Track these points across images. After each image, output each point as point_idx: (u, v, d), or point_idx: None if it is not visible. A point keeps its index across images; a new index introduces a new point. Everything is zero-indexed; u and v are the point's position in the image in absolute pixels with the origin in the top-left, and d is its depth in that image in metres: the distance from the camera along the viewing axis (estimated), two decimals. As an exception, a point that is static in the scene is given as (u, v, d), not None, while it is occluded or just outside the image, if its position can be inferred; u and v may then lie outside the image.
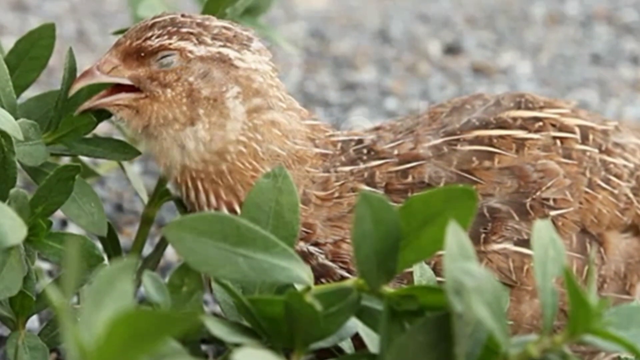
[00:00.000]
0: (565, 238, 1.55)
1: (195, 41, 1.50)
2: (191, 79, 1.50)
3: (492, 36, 3.25)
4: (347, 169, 1.56)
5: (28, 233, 1.41)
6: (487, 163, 1.56)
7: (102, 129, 1.89)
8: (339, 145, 1.59)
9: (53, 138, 1.57)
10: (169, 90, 1.50)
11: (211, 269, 1.26)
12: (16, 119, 1.49)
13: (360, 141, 1.60)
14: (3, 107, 1.51)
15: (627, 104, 2.87)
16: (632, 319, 1.23)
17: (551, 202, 1.55)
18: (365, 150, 1.59)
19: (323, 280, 1.50)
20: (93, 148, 1.60)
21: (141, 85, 1.51)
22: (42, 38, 1.62)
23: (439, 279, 1.43)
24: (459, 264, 1.19)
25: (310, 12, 3.40)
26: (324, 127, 1.61)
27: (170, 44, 1.49)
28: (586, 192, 1.58)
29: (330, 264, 1.51)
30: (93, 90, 1.54)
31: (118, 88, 1.53)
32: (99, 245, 1.61)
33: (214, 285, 1.38)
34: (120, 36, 1.55)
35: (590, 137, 1.64)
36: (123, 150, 1.61)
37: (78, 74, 1.55)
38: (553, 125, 1.63)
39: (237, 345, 1.30)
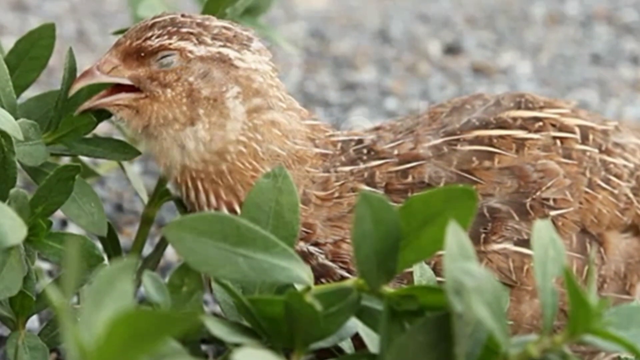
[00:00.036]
0: (565, 238, 1.55)
1: (195, 41, 1.50)
2: (191, 79, 1.50)
3: (492, 36, 3.25)
4: (347, 169, 1.56)
5: (28, 233, 1.41)
6: (487, 163, 1.56)
7: (102, 129, 1.89)
8: (339, 145, 1.59)
9: (53, 138, 1.57)
10: (169, 90, 1.50)
11: (211, 269, 1.26)
12: (16, 119, 1.49)
13: (360, 141, 1.60)
14: (3, 107, 1.51)
15: (627, 104, 2.87)
16: (632, 319, 1.23)
17: (551, 202, 1.55)
18: (365, 150, 1.59)
19: (323, 280, 1.50)
20: (93, 148, 1.60)
21: (141, 85, 1.51)
22: (42, 38, 1.62)
23: (439, 279, 1.42)
24: (459, 264, 1.19)
25: (310, 12, 3.40)
26: (324, 127, 1.61)
27: (170, 44, 1.49)
28: (586, 192, 1.58)
29: (330, 264, 1.51)
30: (93, 90, 1.54)
31: (118, 88, 1.53)
32: (99, 245, 1.61)
33: (214, 285, 1.38)
34: (120, 36, 1.55)
35: (590, 137, 1.64)
36: (123, 151, 1.61)
37: (78, 74, 1.55)
38: (553, 125, 1.63)
39: (237, 345, 1.30)
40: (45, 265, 2.03)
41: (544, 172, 1.57)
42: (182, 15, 1.53)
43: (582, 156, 1.61)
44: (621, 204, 1.61)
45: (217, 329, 1.30)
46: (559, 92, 2.88)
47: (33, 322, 1.85)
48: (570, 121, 1.65)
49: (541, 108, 1.66)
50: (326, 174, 1.56)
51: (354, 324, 1.32)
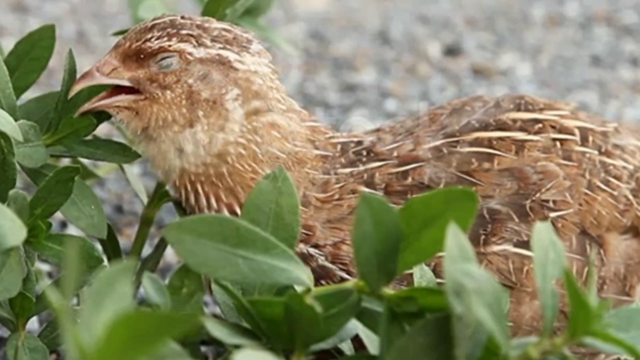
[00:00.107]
0: (564, 240, 1.55)
1: (195, 43, 1.50)
2: (190, 81, 1.50)
3: (491, 37, 3.25)
4: (347, 170, 1.56)
5: (28, 234, 1.41)
6: (486, 165, 1.56)
7: (102, 130, 1.89)
8: (339, 147, 1.59)
9: (53, 139, 1.57)
10: (168, 92, 1.50)
11: (211, 270, 1.26)
12: (16, 120, 1.49)
13: (359, 143, 1.60)
14: (3, 108, 1.51)
15: (627, 105, 2.87)
16: (632, 321, 1.23)
17: (551, 204, 1.55)
18: (364, 152, 1.59)
19: (323, 282, 1.50)
20: (93, 150, 1.60)
21: (141, 86, 1.51)
22: (42, 39, 1.62)
23: (439, 280, 1.43)
24: (459, 266, 1.19)
25: (309, 13, 3.40)
26: (324, 129, 1.61)
27: (169, 45, 1.49)
28: (586, 194, 1.58)
29: (330, 265, 1.51)
30: (93, 91, 1.54)
31: (118, 90, 1.53)
32: (99, 246, 1.61)
33: (213, 286, 1.38)
34: (120, 37, 1.55)
35: (590, 138, 1.64)
36: (123, 153, 1.61)
37: (78, 76, 1.55)
38: (553, 127, 1.63)
39: (237, 346, 1.30)
40: (45, 267, 2.03)
41: (544, 174, 1.57)
42: (182, 17, 1.53)
43: (581, 158, 1.61)
44: (621, 206, 1.61)
45: (217, 331, 1.30)
46: (559, 94, 2.88)
47: (33, 323, 1.85)
48: (570, 123, 1.65)
49: (541, 110, 1.66)
50: (326, 176, 1.56)
51: (354, 326, 1.32)
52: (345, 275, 1.50)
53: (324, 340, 1.32)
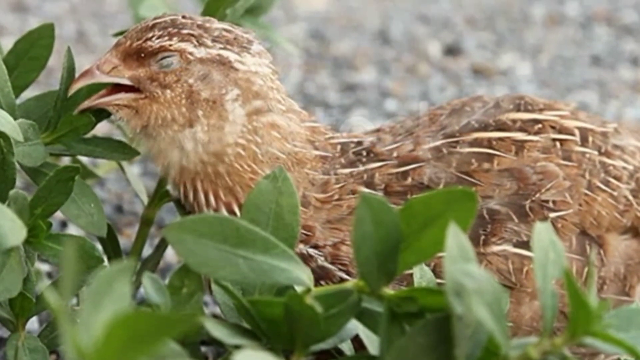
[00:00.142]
0: (564, 240, 1.55)
1: (196, 43, 1.50)
2: (191, 80, 1.50)
3: (492, 37, 3.25)
4: (347, 171, 1.56)
5: (28, 234, 1.41)
6: (486, 165, 1.56)
7: (102, 129, 1.89)
8: (339, 147, 1.59)
9: (52, 138, 1.57)
10: (168, 91, 1.50)
11: (211, 270, 1.26)
12: (15, 119, 1.49)
13: (359, 143, 1.60)
14: (2, 107, 1.51)
15: (627, 105, 2.86)
16: (632, 321, 1.23)
17: (550, 204, 1.55)
18: (364, 152, 1.59)
19: (322, 282, 1.50)
20: (92, 148, 1.59)
21: (141, 85, 1.51)
22: (41, 38, 1.62)
23: (439, 280, 1.42)
24: (459, 266, 1.19)
25: (310, 13, 3.40)
26: (324, 130, 1.61)
27: (170, 45, 1.49)
28: (586, 194, 1.58)
29: (329, 266, 1.51)
30: (92, 90, 1.54)
31: (118, 88, 1.53)
32: (99, 246, 1.61)
33: (213, 286, 1.38)
34: (120, 36, 1.55)
35: (590, 139, 1.64)
36: (122, 151, 1.61)
37: (77, 74, 1.55)
38: (552, 128, 1.63)
39: (237, 347, 1.30)
40: (45, 267, 2.03)
41: (544, 174, 1.57)
42: (183, 17, 1.52)
43: (581, 158, 1.61)
44: (621, 206, 1.61)
45: (217, 331, 1.30)
46: (559, 94, 2.88)
47: (33, 323, 1.85)
48: (570, 123, 1.65)
49: (541, 110, 1.66)
50: (326, 177, 1.56)
51: (354, 326, 1.32)
52: (344, 276, 1.50)
53: (324, 340, 1.32)
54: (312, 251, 1.51)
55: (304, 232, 1.51)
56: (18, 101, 1.58)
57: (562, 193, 1.57)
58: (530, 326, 1.52)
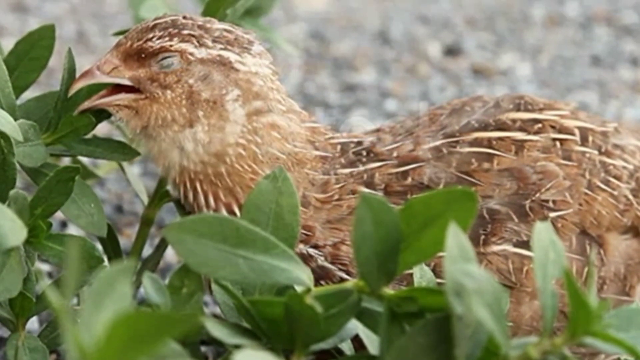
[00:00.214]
0: (564, 240, 1.55)
1: (196, 43, 1.50)
2: (191, 81, 1.50)
3: (491, 37, 3.25)
4: (347, 171, 1.56)
5: (28, 234, 1.41)
6: (486, 165, 1.56)
7: (102, 130, 1.89)
8: (339, 147, 1.59)
9: (52, 139, 1.57)
10: (168, 92, 1.50)
11: (211, 270, 1.26)
12: (16, 119, 1.49)
13: (359, 143, 1.60)
14: (3, 108, 1.51)
15: (627, 105, 2.87)
16: (632, 321, 1.23)
17: (550, 204, 1.55)
18: (364, 153, 1.59)
19: (322, 282, 1.50)
20: (92, 148, 1.60)
21: (141, 86, 1.51)
22: (41, 39, 1.62)
23: (439, 280, 1.43)
24: (460, 266, 1.19)
25: (310, 13, 3.40)
26: (324, 130, 1.61)
27: (171, 45, 1.49)
28: (586, 194, 1.58)
29: (329, 266, 1.51)
30: (92, 90, 1.54)
31: (118, 88, 1.53)
32: (99, 246, 1.61)
33: (213, 286, 1.38)
34: (121, 37, 1.55)
35: (590, 138, 1.64)
36: (122, 151, 1.61)
37: (77, 75, 1.55)
38: (552, 127, 1.63)
39: (237, 346, 1.30)
40: (45, 267, 2.03)
41: (544, 174, 1.57)
42: (184, 17, 1.53)
43: (581, 158, 1.61)
44: (621, 206, 1.61)
45: (217, 331, 1.30)
46: (559, 94, 2.88)
47: (33, 323, 1.85)
48: (570, 123, 1.65)
49: (540, 110, 1.66)
50: (326, 177, 1.56)
51: (354, 326, 1.32)
52: (344, 276, 1.50)
53: (324, 340, 1.32)
54: (312, 251, 1.52)
55: (304, 232, 1.51)
56: (18, 102, 1.58)
57: (562, 193, 1.57)
58: (530, 326, 1.52)
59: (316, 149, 1.57)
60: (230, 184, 1.53)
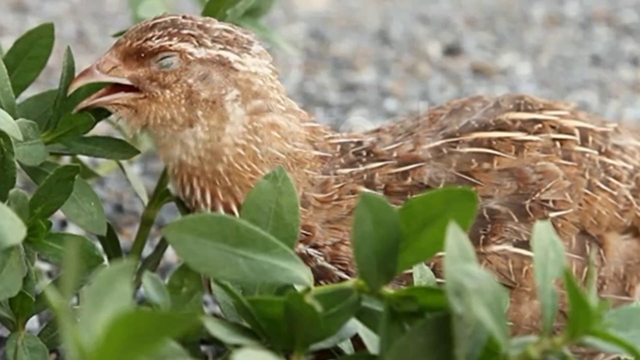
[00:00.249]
0: (564, 239, 1.55)
1: (196, 43, 1.50)
2: (190, 80, 1.50)
3: (491, 37, 3.25)
4: (347, 171, 1.56)
5: (28, 234, 1.41)
6: (486, 165, 1.56)
7: (102, 129, 1.89)
8: (338, 147, 1.59)
9: (52, 137, 1.57)
10: (167, 92, 1.50)
11: (211, 270, 1.26)
12: (15, 118, 1.49)
13: (359, 143, 1.60)
14: (2, 107, 1.51)
15: (627, 105, 2.87)
16: (632, 321, 1.23)
17: (550, 204, 1.55)
18: (364, 152, 1.59)
19: (322, 282, 1.50)
20: (92, 147, 1.60)
21: (140, 85, 1.51)
22: (41, 38, 1.62)
23: (439, 280, 1.43)
24: (459, 266, 1.19)
25: (310, 13, 3.40)
26: (324, 130, 1.61)
27: (170, 45, 1.49)
28: (586, 194, 1.58)
29: (329, 266, 1.51)
30: (92, 89, 1.55)
31: (117, 87, 1.53)
32: (99, 246, 1.61)
33: (213, 286, 1.38)
34: (120, 36, 1.55)
35: (590, 138, 1.64)
36: (122, 150, 1.61)
37: (77, 74, 1.55)
38: (552, 127, 1.63)
39: (237, 346, 1.30)
40: (44, 266, 2.03)
41: (543, 174, 1.57)
42: (183, 17, 1.53)
43: (581, 158, 1.61)
44: (620, 206, 1.61)
45: (217, 330, 1.30)
46: (559, 94, 2.88)
47: (33, 322, 1.85)
48: (570, 123, 1.65)
49: (540, 110, 1.66)
50: (325, 177, 1.56)
51: (354, 325, 1.32)
52: (344, 276, 1.50)
53: (324, 339, 1.32)
54: (311, 251, 1.52)
55: (304, 232, 1.51)
56: (18, 100, 1.58)
57: (562, 193, 1.57)
58: (530, 325, 1.52)
59: (316, 148, 1.57)
60: (229, 183, 1.53)
